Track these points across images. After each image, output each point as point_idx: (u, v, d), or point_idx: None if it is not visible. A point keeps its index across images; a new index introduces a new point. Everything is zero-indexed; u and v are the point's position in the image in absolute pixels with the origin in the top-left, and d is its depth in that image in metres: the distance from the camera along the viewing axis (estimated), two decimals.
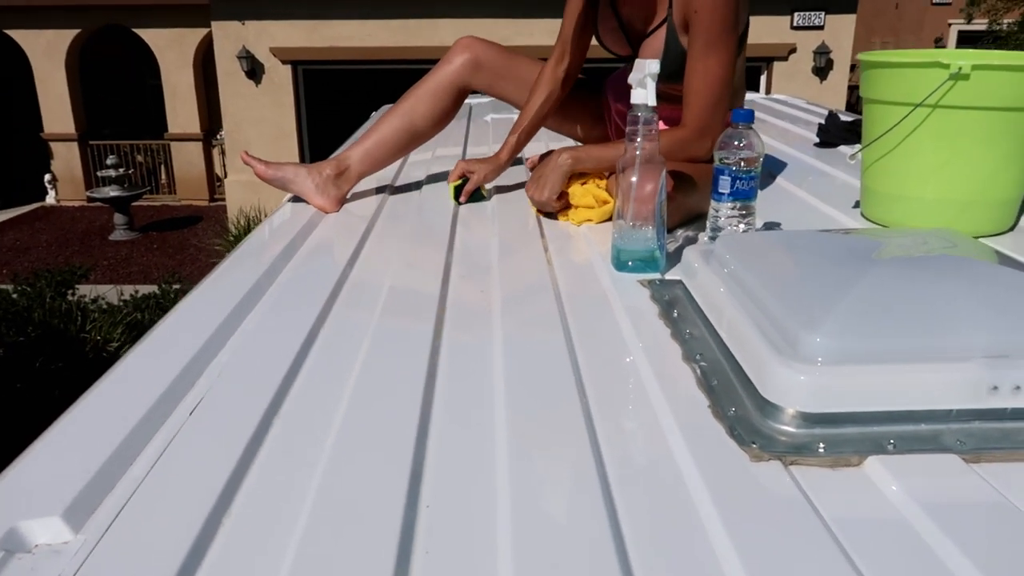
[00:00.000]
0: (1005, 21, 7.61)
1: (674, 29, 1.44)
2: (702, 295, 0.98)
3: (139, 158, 12.27)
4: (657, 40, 1.47)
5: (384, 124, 1.65)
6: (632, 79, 1.11)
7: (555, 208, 1.45)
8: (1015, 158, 1.22)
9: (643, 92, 1.10)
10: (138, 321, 5.72)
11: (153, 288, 6.50)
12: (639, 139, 1.12)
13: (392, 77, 9.83)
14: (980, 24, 8.00)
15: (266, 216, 6.61)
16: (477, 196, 1.65)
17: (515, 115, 1.71)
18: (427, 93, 1.64)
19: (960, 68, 1.15)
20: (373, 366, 0.89)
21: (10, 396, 4.49)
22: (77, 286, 6.44)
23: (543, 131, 1.84)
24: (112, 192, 10.34)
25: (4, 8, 11.14)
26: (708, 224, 1.20)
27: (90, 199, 11.30)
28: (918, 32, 13.96)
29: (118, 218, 10.44)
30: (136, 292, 6.43)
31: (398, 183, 1.87)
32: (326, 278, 1.20)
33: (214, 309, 1.06)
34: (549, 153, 1.60)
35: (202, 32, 11.02)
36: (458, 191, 1.63)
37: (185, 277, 8.11)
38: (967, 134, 1.20)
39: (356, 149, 1.63)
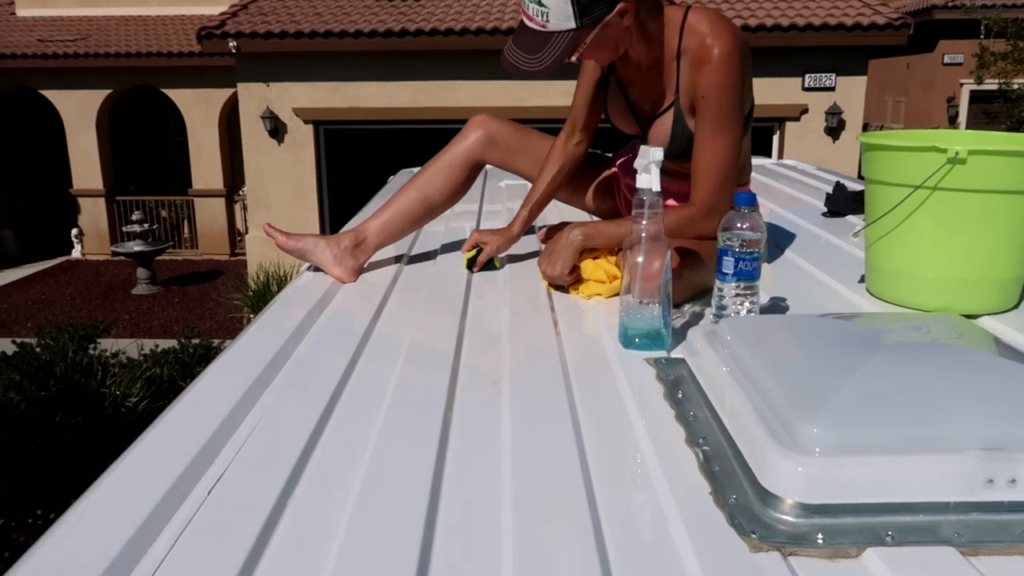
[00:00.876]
0: (1015, 82, 7.70)
1: (681, 113, 1.49)
2: (705, 377, 1.00)
3: (163, 213, 12.55)
4: (665, 123, 1.52)
5: (401, 197, 1.70)
6: (637, 164, 1.16)
7: (566, 282, 1.49)
8: (1013, 239, 1.25)
9: (647, 177, 1.14)
10: (157, 376, 5.78)
11: (173, 342, 6.59)
12: (644, 221, 1.16)
13: (411, 136, 10.06)
14: (991, 84, 8.09)
15: (284, 272, 6.65)
16: (490, 265, 1.70)
17: (528, 181, 1.77)
18: (442, 168, 1.70)
19: (957, 153, 1.19)
20: (385, 446, 0.92)
21: (31, 450, 4.54)
22: (99, 340, 6.53)
23: (555, 202, 1.90)
24: (136, 247, 10.56)
25: (40, 70, 11.57)
26: (713, 303, 1.23)
27: (114, 253, 11.54)
28: (929, 91, 14.10)
29: (141, 272, 10.63)
30: (156, 346, 6.52)
31: (414, 252, 1.92)
32: (342, 350, 1.24)
33: (234, 382, 1.10)
34: (561, 226, 1.65)
35: (228, 92, 11.37)
36: (471, 261, 1.68)
37: (204, 332, 8.21)
38: (965, 215, 1.23)
39: (374, 221, 1.69)
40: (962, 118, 13.79)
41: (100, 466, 0.91)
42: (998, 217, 1.23)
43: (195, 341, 6.51)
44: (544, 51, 1.35)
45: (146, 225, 10.73)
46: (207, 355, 6.29)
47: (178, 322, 9.23)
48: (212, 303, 10.05)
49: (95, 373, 5.43)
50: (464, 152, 1.70)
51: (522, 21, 1.39)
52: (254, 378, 1.12)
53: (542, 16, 1.33)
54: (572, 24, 1.33)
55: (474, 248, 1.68)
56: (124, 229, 11.08)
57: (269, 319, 1.45)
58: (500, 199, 2.65)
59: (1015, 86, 7.66)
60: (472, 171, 1.73)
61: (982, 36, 8.19)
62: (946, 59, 13.69)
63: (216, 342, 6.74)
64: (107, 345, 6.39)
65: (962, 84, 13.41)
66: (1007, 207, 1.23)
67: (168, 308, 9.97)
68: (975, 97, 13.24)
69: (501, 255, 1.72)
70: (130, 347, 6.94)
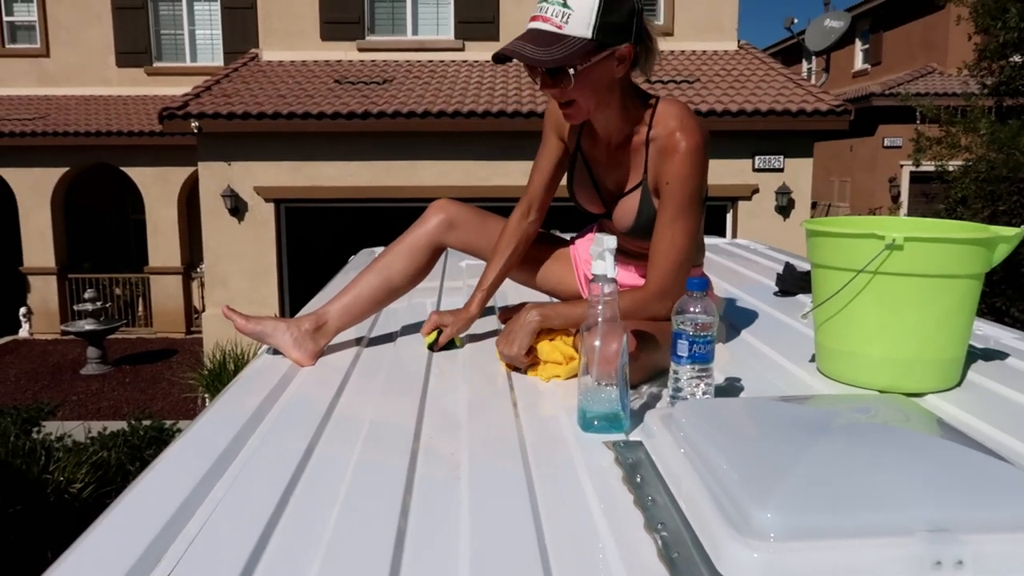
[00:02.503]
0: (950, 165, 8.11)
1: (648, 193, 1.55)
2: (662, 461, 1.01)
3: (117, 291, 12.33)
4: (631, 201, 1.58)
5: (362, 280, 1.72)
6: (592, 251, 1.20)
7: (523, 364, 1.50)
8: (952, 320, 1.31)
9: (602, 264, 1.18)
10: (104, 460, 5.57)
11: (122, 424, 6.38)
12: (601, 305, 1.19)
13: (373, 215, 10.14)
14: (929, 166, 8.51)
15: (242, 351, 6.53)
16: (450, 344, 1.72)
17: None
18: (403, 251, 1.72)
19: (894, 240, 1.25)
20: (343, 534, 0.90)
21: None
22: (43, 423, 6.30)
23: (515, 284, 1.92)
24: (87, 325, 10.31)
25: None
26: (669, 385, 1.25)
27: (64, 332, 11.24)
28: (872, 171, 14.75)
29: (91, 352, 10.35)
30: (104, 429, 6.30)
31: (374, 333, 1.92)
32: (300, 435, 1.22)
33: (187, 471, 1.08)
34: (519, 306, 1.67)
35: (188, 170, 11.39)
36: (432, 343, 1.69)
37: (156, 413, 7.97)
38: (905, 298, 1.29)
39: (335, 304, 1.69)
40: (904, 197, 14.41)
41: (39, 563, 0.88)
42: (936, 300, 1.29)
43: (146, 423, 6.32)
44: (553, 47, 1.36)
45: (99, 303, 10.51)
46: (159, 437, 6.10)
47: (129, 403, 8.95)
48: (165, 383, 9.80)
49: (38, 458, 5.21)
50: (425, 236, 1.73)
51: (530, 28, 1.39)
52: (208, 466, 1.10)
53: (563, 17, 1.35)
54: (588, 34, 1.36)
55: (434, 330, 1.69)
56: (75, 307, 10.83)
57: (225, 403, 1.43)
58: (460, 277, 2.68)
59: (950, 168, 8.07)
60: (433, 254, 1.75)
61: (918, 122, 8.65)
62: (886, 142, 14.39)
63: (168, 423, 6.55)
64: (52, 428, 6.16)
65: (902, 166, 14.07)
66: (943, 290, 1.28)
67: (119, 388, 9.68)
68: (915, 178, 13.88)
69: (461, 335, 1.74)
70: (77, 430, 6.69)
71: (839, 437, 0.91)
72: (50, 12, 12.82)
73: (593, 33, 1.36)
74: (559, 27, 1.36)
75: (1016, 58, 7.91)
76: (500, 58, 1.43)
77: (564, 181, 1.76)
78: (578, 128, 1.66)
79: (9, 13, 12.98)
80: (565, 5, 1.36)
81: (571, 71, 1.39)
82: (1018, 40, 7.68)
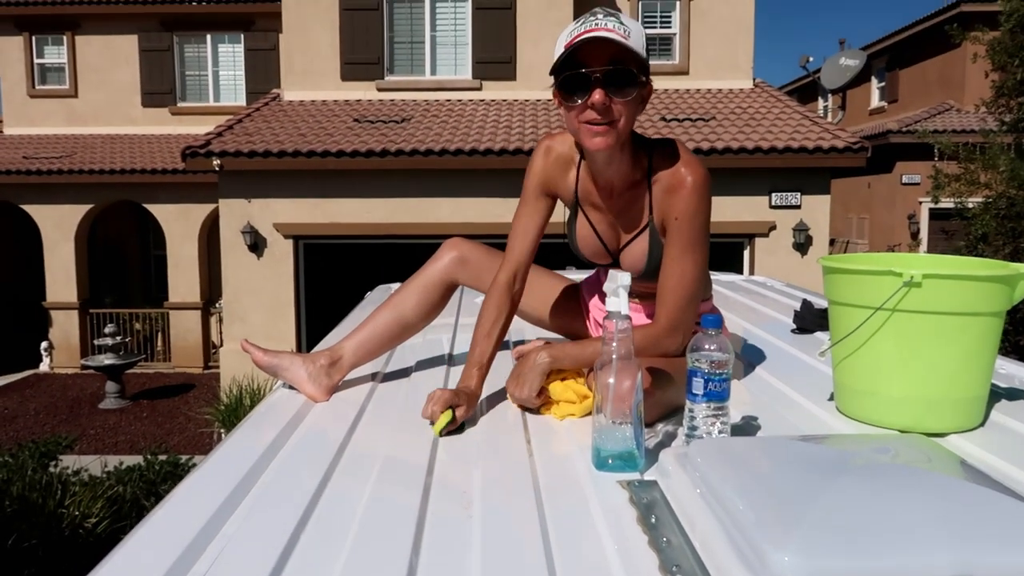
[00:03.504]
0: (970, 202, 8.06)
1: (656, 233, 1.54)
2: (677, 502, 1.00)
3: (137, 326, 12.45)
4: (640, 244, 1.57)
5: (376, 317, 1.72)
6: (607, 287, 1.20)
7: (535, 405, 1.49)
8: (974, 358, 1.29)
9: (616, 300, 1.17)
10: (119, 495, 5.57)
11: (138, 459, 6.39)
12: (615, 342, 1.18)
13: (390, 251, 10.22)
14: (948, 203, 8.47)
15: (258, 386, 6.53)
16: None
17: None
18: (417, 288, 1.73)
19: (912, 277, 1.24)
20: (354, 571, 0.89)
21: None
22: (61, 456, 6.32)
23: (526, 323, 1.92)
24: (107, 360, 10.40)
25: (22, 185, 11.73)
26: (684, 423, 1.23)
27: (84, 367, 11.35)
28: (891, 209, 14.68)
29: (110, 386, 10.43)
30: (120, 463, 6.31)
31: (389, 368, 1.92)
32: (313, 470, 1.22)
33: (201, 505, 1.08)
34: (531, 344, 1.67)
35: (209, 207, 11.57)
36: (444, 426, 1.42)
37: (172, 447, 8.00)
38: (925, 336, 1.27)
39: (349, 341, 1.70)
40: (923, 234, 14.31)
41: None
42: (957, 338, 1.27)
43: (162, 457, 6.32)
44: (628, 40, 1.35)
45: (118, 338, 10.61)
46: (174, 472, 6.09)
47: (145, 437, 8.98)
48: (182, 417, 9.83)
49: (54, 492, 5.21)
50: (438, 273, 1.74)
51: (594, 36, 1.34)
52: (220, 502, 1.10)
53: (624, 31, 1.35)
54: (644, 54, 1.39)
55: (446, 410, 1.41)
56: (95, 342, 10.94)
57: (239, 438, 1.43)
58: (475, 313, 2.67)
59: (970, 205, 8.02)
60: (446, 291, 1.76)
61: (936, 159, 8.63)
62: (904, 179, 14.35)
63: (184, 458, 6.55)
64: (69, 462, 6.17)
65: (920, 202, 14.00)
66: (964, 328, 1.27)
67: (136, 423, 9.72)
68: (934, 215, 13.79)
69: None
70: (93, 464, 6.70)
71: (859, 478, 0.89)
72: (79, 54, 13.19)
73: (646, 54, 1.40)
74: (625, 37, 1.34)
75: None
76: (585, 42, 1.34)
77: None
78: (574, 181, 1.61)
79: (40, 56, 13.36)
80: (622, 23, 1.36)
81: (642, 78, 1.40)
82: None
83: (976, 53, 8.40)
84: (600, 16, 1.38)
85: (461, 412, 1.41)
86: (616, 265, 1.65)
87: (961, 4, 13.93)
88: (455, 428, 1.42)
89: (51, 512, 5.02)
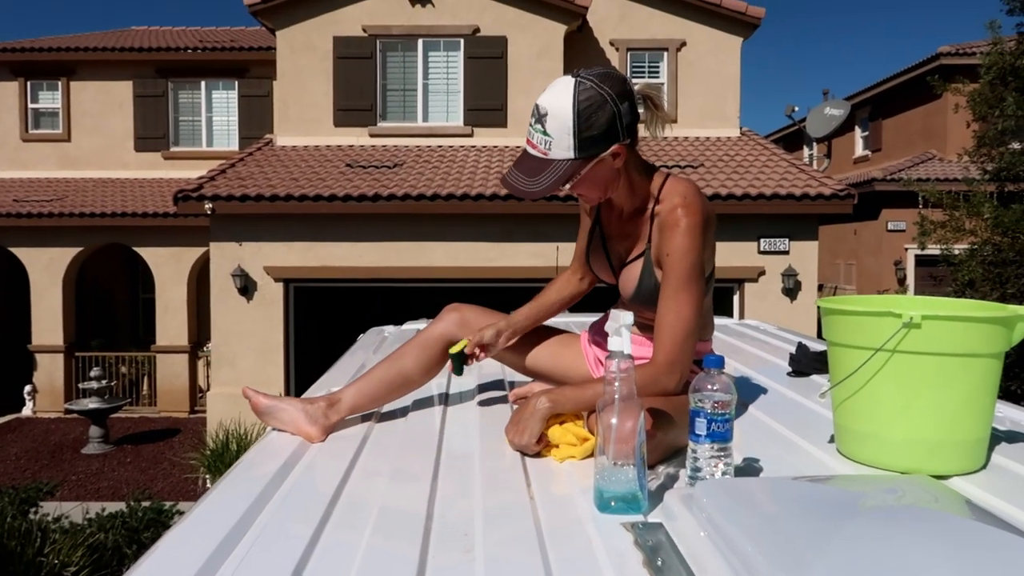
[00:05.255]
0: (956, 248, 8.17)
1: (650, 262, 1.59)
2: (684, 544, 0.98)
3: (123, 369, 12.31)
4: (635, 269, 1.63)
5: (377, 369, 1.76)
6: (608, 327, 1.20)
7: (534, 451, 1.47)
8: (975, 400, 1.29)
9: (619, 340, 1.17)
10: (100, 543, 5.43)
11: (122, 505, 6.25)
12: (617, 383, 1.18)
13: (382, 294, 10.21)
14: (934, 249, 8.57)
15: (245, 431, 6.44)
16: (458, 367, 1.71)
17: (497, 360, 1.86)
18: (417, 344, 1.77)
19: (911, 318, 1.24)
20: None
21: None
22: (41, 503, 6.17)
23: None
24: (91, 404, 10.24)
25: (11, 228, 11.70)
26: (688, 464, 1.22)
27: (68, 411, 11.18)
28: (878, 255, 14.84)
29: (93, 431, 10.26)
30: (103, 510, 6.16)
31: (384, 408, 1.90)
32: (308, 516, 1.19)
33: (181, 564, 1.03)
34: (530, 388, 1.66)
35: (200, 250, 11.56)
36: (458, 361, 1.70)
37: (156, 493, 7.83)
38: (925, 378, 1.27)
39: (349, 388, 1.71)
40: (910, 280, 14.44)
41: None
42: (957, 379, 1.27)
43: (145, 504, 6.18)
44: (543, 175, 1.47)
45: (104, 381, 10.48)
46: (157, 519, 5.96)
47: (129, 483, 8.80)
48: (167, 463, 9.66)
49: (33, 540, 5.08)
50: (438, 331, 1.78)
51: (525, 149, 1.51)
52: (207, 557, 1.05)
53: (545, 144, 1.46)
54: (571, 155, 1.45)
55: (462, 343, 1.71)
56: (80, 386, 10.80)
57: (229, 485, 1.39)
58: (472, 371, 2.65)
59: (956, 252, 8.12)
60: (446, 348, 1.77)
61: (920, 206, 8.77)
62: (890, 226, 14.53)
63: (168, 505, 6.41)
64: (50, 508, 6.03)
65: (907, 249, 14.16)
66: (964, 369, 1.27)
67: (119, 468, 9.54)
68: (920, 261, 13.95)
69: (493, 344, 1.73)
70: (74, 511, 6.55)
71: (869, 519, 0.88)
72: (74, 100, 13.29)
73: (575, 152, 1.46)
74: (545, 153, 1.47)
75: (1015, 145, 8.07)
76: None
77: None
78: None
79: (35, 100, 13.46)
80: (545, 133, 1.46)
81: (565, 186, 1.50)
82: (1016, 127, 7.86)
83: (957, 104, 8.60)
84: (531, 121, 1.49)
85: (480, 335, 1.69)
86: (616, 284, 1.72)
87: (941, 57, 14.30)
88: (480, 359, 1.72)
89: (30, 560, 4.89)
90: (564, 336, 1.87)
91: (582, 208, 1.78)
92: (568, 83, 1.45)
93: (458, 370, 1.72)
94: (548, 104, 1.45)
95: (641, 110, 1.57)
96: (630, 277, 1.64)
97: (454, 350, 1.71)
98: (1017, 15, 8.12)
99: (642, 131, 1.59)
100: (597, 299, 2.13)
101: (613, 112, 1.45)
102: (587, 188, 1.54)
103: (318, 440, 1.61)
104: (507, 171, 1.53)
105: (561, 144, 1.45)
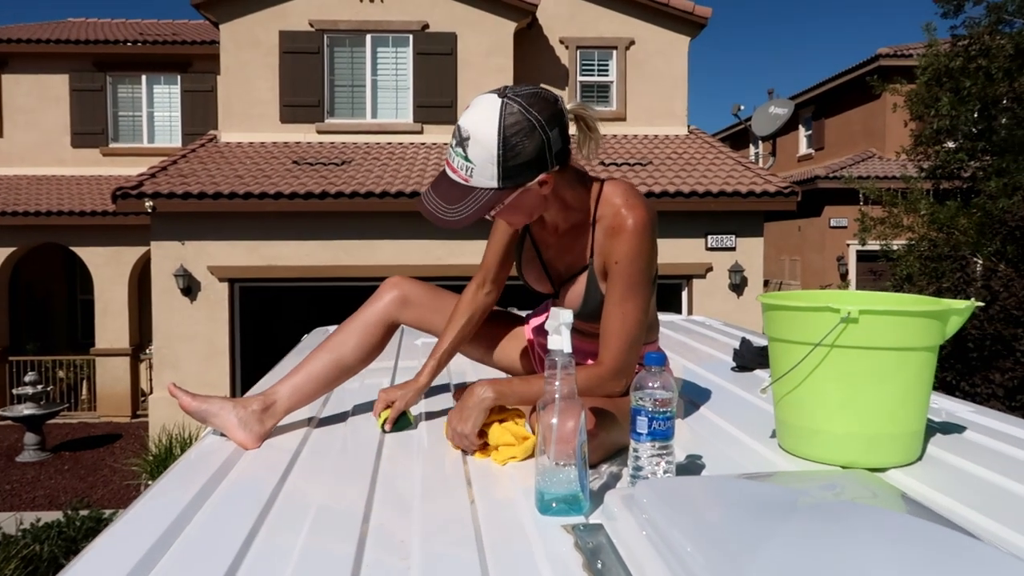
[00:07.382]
0: (895, 244, 8.40)
1: (594, 276, 1.52)
2: (624, 545, 0.96)
3: (60, 373, 11.88)
4: (579, 285, 1.55)
5: (313, 359, 1.66)
6: (548, 326, 1.17)
7: (475, 445, 1.44)
8: (911, 393, 1.30)
9: (559, 339, 1.15)
10: (35, 554, 5.23)
11: (58, 515, 6.03)
12: (557, 382, 1.15)
13: (329, 293, 10.04)
14: (874, 245, 8.80)
15: (189, 435, 6.30)
16: (403, 423, 1.65)
17: None
18: (356, 329, 1.67)
19: (849, 313, 1.25)
20: None
21: None
22: None
23: (472, 363, 1.88)
24: (26, 410, 9.86)
25: None
26: (629, 463, 1.21)
27: (1, 418, 10.73)
28: (821, 251, 15.21)
29: (29, 438, 9.87)
30: (38, 520, 5.94)
31: (325, 413, 1.85)
32: (242, 521, 1.14)
33: (113, 567, 0.99)
34: (472, 385, 1.63)
35: (140, 250, 11.23)
36: (385, 422, 1.63)
37: (95, 502, 7.58)
38: (862, 372, 1.28)
39: (284, 384, 1.63)
40: (852, 275, 14.84)
41: None
42: (894, 373, 1.28)
43: (83, 513, 5.98)
44: (463, 203, 1.36)
45: (39, 387, 10.09)
46: (96, 528, 5.77)
47: (67, 492, 8.50)
48: (107, 470, 9.35)
49: None
50: (378, 313, 1.69)
51: (444, 171, 1.39)
52: (139, 558, 1.01)
53: (466, 171, 1.34)
54: (494, 184, 1.34)
55: (385, 408, 1.63)
56: (15, 391, 10.38)
57: (162, 489, 1.34)
58: (416, 355, 2.62)
59: (895, 247, 8.35)
60: (387, 331, 1.71)
61: (861, 203, 8.99)
62: (832, 223, 14.91)
63: (108, 513, 6.22)
64: None
65: (848, 244, 14.53)
66: (901, 363, 1.28)
67: (56, 476, 9.21)
68: (861, 256, 14.34)
69: (415, 411, 1.68)
70: (7, 521, 6.30)
71: (807, 516, 0.87)
72: (7, 94, 12.77)
73: (499, 182, 1.34)
74: (466, 180, 1.35)
75: (950, 144, 8.33)
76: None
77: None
78: None
79: None
80: (467, 159, 1.34)
81: (489, 216, 1.42)
82: (950, 127, 8.11)
83: (896, 104, 8.84)
84: (452, 143, 1.37)
85: (398, 404, 1.61)
86: (557, 296, 1.64)
87: (881, 58, 14.70)
88: (407, 427, 1.64)
89: None
90: (513, 327, 1.83)
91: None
92: (494, 104, 1.32)
93: (383, 430, 1.63)
94: (471, 127, 1.32)
95: (573, 131, 1.46)
96: (574, 294, 1.56)
97: (379, 422, 1.64)
98: (951, 18, 8.37)
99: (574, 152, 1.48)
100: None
101: (542, 140, 1.34)
102: (511, 215, 1.45)
103: (252, 447, 1.55)
104: (424, 192, 1.41)
105: (484, 172, 1.33)
